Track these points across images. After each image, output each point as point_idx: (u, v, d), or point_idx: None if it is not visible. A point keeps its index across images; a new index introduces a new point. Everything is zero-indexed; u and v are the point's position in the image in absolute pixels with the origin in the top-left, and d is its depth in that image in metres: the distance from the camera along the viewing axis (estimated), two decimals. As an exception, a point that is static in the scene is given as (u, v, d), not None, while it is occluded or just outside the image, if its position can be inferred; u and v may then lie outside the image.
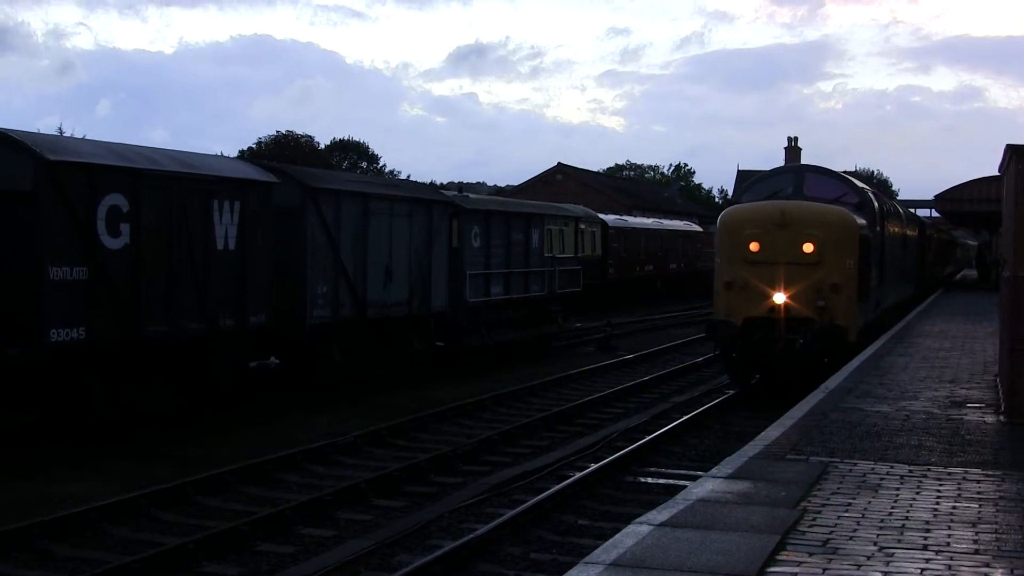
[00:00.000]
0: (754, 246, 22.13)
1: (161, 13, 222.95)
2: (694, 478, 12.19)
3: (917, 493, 9.86)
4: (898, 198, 76.09)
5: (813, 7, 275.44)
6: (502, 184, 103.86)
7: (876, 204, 26.48)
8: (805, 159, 65.34)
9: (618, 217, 56.18)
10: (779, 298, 21.75)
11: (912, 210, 52.61)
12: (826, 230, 22.05)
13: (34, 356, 15.86)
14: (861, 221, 23.28)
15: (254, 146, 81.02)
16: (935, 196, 56.35)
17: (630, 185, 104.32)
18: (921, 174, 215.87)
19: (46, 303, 15.83)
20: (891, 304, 30.95)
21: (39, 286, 15.78)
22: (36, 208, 15.85)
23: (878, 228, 26.09)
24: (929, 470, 10.91)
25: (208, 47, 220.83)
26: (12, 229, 15.83)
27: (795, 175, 24.90)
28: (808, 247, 21.86)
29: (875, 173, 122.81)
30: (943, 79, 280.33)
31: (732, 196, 25.97)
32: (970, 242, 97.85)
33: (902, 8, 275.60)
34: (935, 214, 69.59)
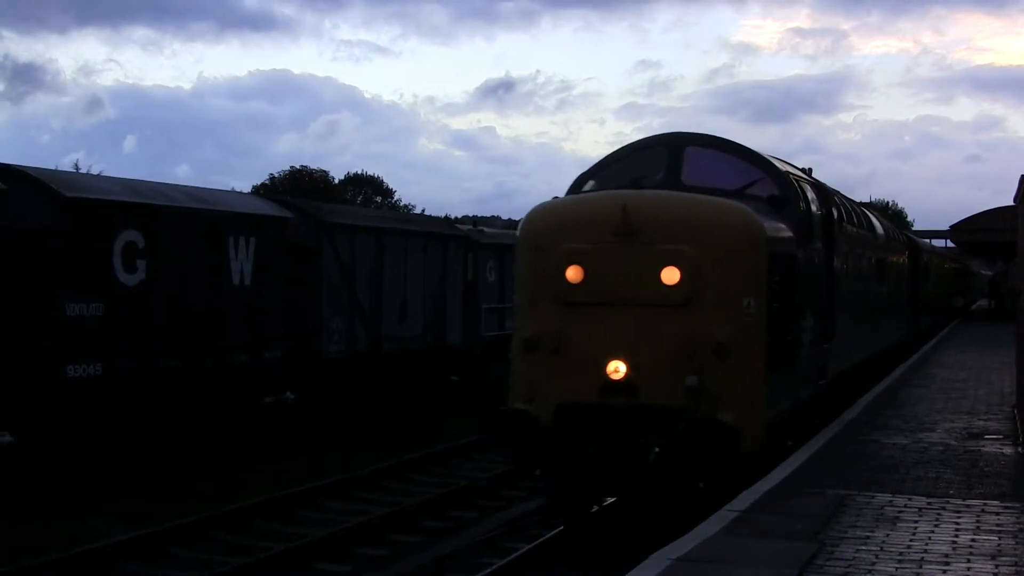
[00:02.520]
0: (574, 274, 11.95)
1: (185, 49, 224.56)
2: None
3: (936, 526, 9.79)
4: (913, 228, 75.89)
5: (837, 38, 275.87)
6: (517, 217, 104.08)
7: (813, 203, 14.91)
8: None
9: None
10: (616, 370, 11.73)
11: (909, 234, 42.16)
12: (704, 244, 11.86)
13: (50, 393, 15.91)
14: (776, 228, 12.80)
15: (267, 182, 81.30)
16: (950, 227, 56.29)
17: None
18: (938, 205, 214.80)
19: (63, 339, 15.89)
20: (858, 361, 19.64)
21: (56, 321, 15.85)
22: (52, 244, 15.95)
23: (818, 243, 14.96)
24: (947, 502, 10.84)
25: (226, 83, 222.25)
26: (29, 265, 15.92)
27: (669, 150, 13.89)
28: (670, 275, 11.76)
29: (890, 204, 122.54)
30: (963, 109, 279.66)
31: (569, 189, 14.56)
32: (985, 272, 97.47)
33: (926, 38, 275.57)
34: (950, 244, 69.43)
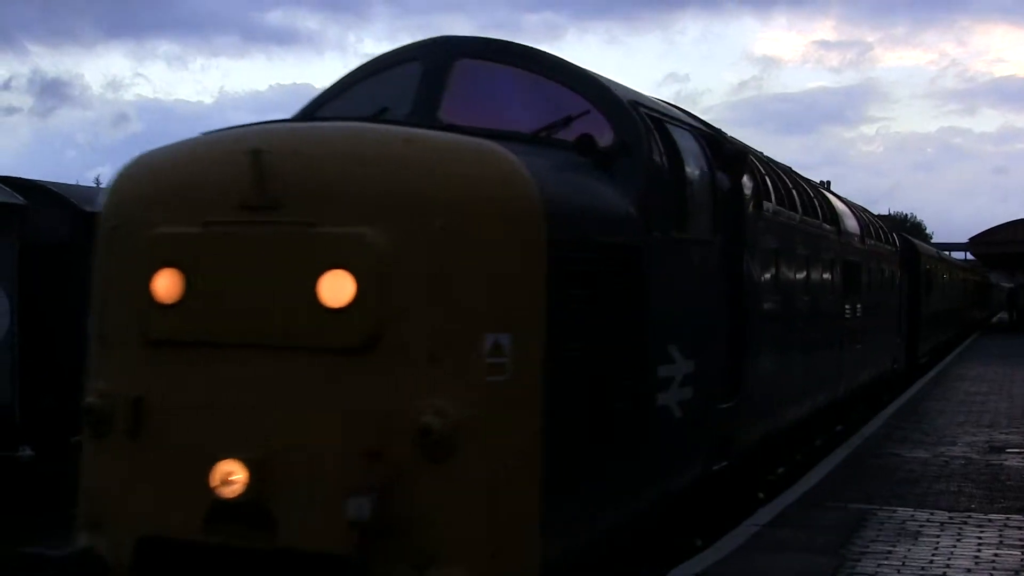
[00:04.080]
0: (167, 285, 6.34)
1: (211, 64, 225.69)
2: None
3: (958, 540, 9.74)
4: (932, 241, 75.61)
5: (862, 50, 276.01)
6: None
7: (695, 160, 9.10)
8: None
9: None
10: (229, 479, 6.06)
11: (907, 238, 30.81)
12: (406, 226, 6.08)
13: None
14: (587, 197, 7.22)
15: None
16: (969, 239, 56.08)
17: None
18: (959, 218, 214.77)
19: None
20: (805, 414, 14.14)
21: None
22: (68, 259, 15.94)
23: (708, 231, 9.34)
24: (969, 516, 10.78)
25: (248, 96, 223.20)
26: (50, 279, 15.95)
27: (426, 65, 8.11)
28: (336, 288, 6.01)
29: (909, 216, 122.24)
30: (987, 120, 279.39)
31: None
32: (1004, 284, 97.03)
33: (951, 49, 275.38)
34: (970, 257, 69.21)
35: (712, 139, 10.06)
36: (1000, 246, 50.46)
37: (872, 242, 20.58)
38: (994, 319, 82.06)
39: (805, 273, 13.81)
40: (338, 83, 8.80)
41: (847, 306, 17.03)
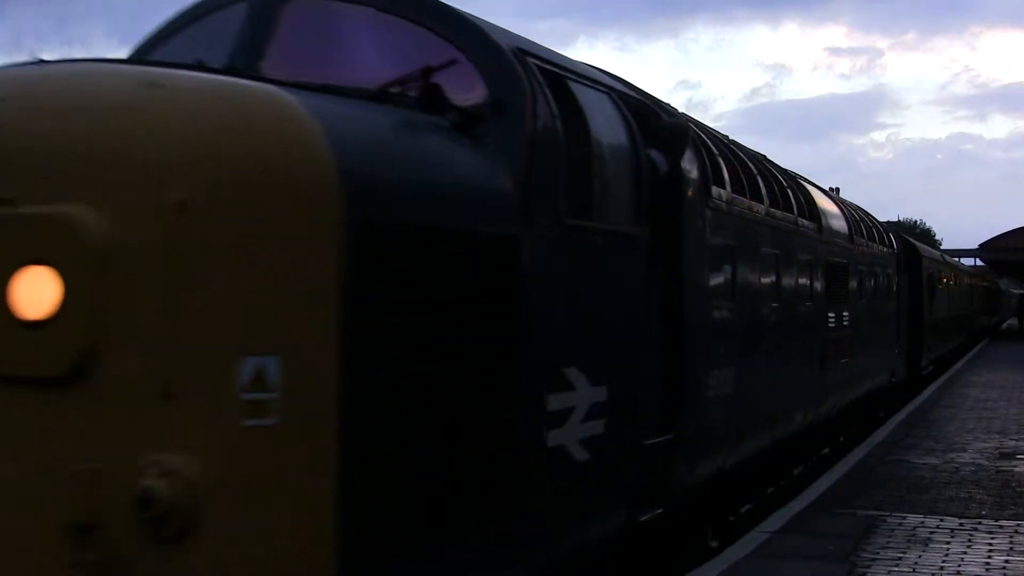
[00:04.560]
0: None
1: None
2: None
3: (968, 547, 9.71)
4: (942, 247, 75.56)
5: (872, 57, 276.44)
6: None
7: (602, 127, 7.15)
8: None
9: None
10: None
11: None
12: (136, 201, 4.28)
13: None
14: (430, 168, 5.47)
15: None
16: (979, 245, 56.04)
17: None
18: (969, 225, 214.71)
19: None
20: (768, 445, 11.88)
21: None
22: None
23: (626, 219, 7.41)
24: (980, 523, 10.74)
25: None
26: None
27: (253, 8, 6.40)
28: (34, 291, 4.24)
29: (918, 223, 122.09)
30: (998, 126, 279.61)
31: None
32: (1014, 291, 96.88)
33: (962, 56, 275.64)
34: (980, 263, 69.15)
35: (641, 108, 8.35)
36: (1010, 252, 50.42)
37: (863, 242, 18.53)
38: (1003, 325, 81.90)
39: (774, 276, 11.88)
40: (154, 34, 7.05)
41: (831, 314, 15.11)
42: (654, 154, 8.14)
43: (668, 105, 10.01)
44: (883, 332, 20.63)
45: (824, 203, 16.09)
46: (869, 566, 8.94)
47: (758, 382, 11.15)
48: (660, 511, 7.93)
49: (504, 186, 5.83)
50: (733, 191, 10.31)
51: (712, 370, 9.42)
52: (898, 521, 10.77)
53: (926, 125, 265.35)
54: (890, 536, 10.10)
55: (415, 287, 4.93)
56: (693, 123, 10.21)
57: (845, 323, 16.19)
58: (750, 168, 11.65)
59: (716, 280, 9.75)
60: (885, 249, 21.47)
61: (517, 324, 5.80)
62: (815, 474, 14.05)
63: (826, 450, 16.28)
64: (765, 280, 11.60)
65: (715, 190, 9.69)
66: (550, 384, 6.19)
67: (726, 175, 10.23)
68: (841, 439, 17.27)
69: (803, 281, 13.51)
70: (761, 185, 11.70)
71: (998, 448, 16.02)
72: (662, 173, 8.30)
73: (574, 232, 6.54)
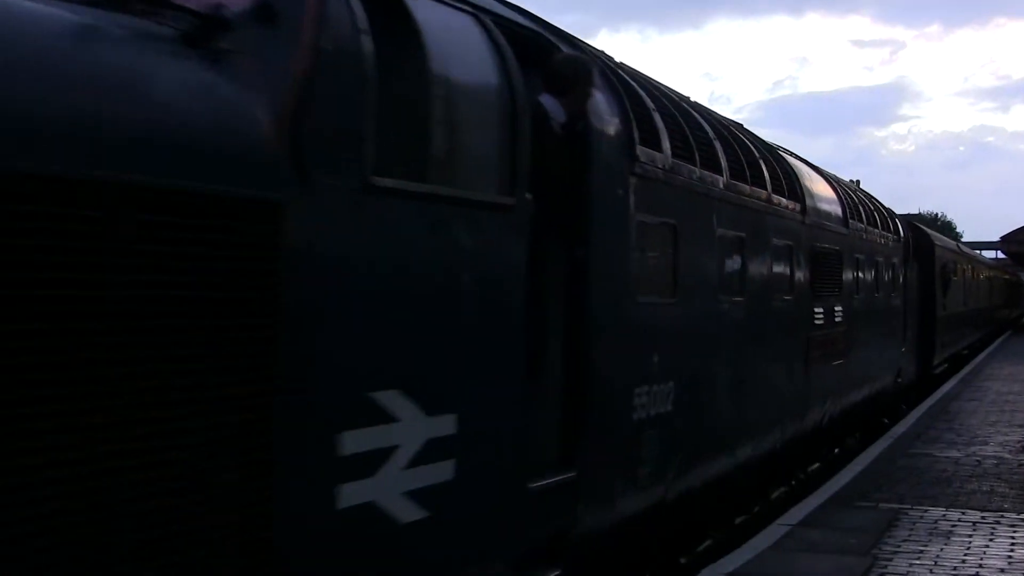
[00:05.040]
0: None
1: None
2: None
3: (990, 540, 9.65)
4: (963, 240, 75.15)
5: (895, 49, 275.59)
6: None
7: (470, 50, 5.55)
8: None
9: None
10: None
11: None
12: None
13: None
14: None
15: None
16: (1000, 237, 55.73)
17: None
18: (990, 216, 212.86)
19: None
20: (749, 458, 10.74)
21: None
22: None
23: (493, 167, 5.74)
24: (1002, 516, 10.68)
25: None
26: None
27: None
28: None
29: (939, 215, 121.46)
30: (1021, 118, 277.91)
31: None
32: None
33: (985, 47, 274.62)
34: (1002, 256, 68.78)
35: (529, 40, 6.58)
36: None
37: (862, 228, 16.56)
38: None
39: (737, 265, 10.10)
40: None
41: (818, 310, 13.24)
42: (546, 100, 6.45)
43: (577, 40, 7.96)
44: (886, 328, 18.72)
45: (811, 181, 14.06)
46: (891, 559, 8.91)
47: (714, 395, 9.37)
48: (557, 573, 6.26)
49: (257, 127, 4.08)
50: (676, 157, 8.34)
51: (641, 384, 7.60)
52: (920, 514, 10.72)
53: (948, 117, 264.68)
54: (912, 529, 10.06)
55: (58, 270, 3.33)
56: (624, 70, 8.42)
57: (837, 319, 14.29)
58: (704, 132, 9.60)
59: (648, 268, 7.99)
60: (890, 236, 19.47)
61: (273, 332, 4.06)
62: (794, 495, 12.76)
63: (816, 465, 14.59)
64: (725, 269, 9.70)
65: (644, 152, 7.68)
66: (347, 416, 4.45)
67: (664, 136, 8.20)
68: (836, 451, 15.97)
69: (780, 271, 11.62)
70: (720, 153, 9.73)
71: (1021, 441, 15.93)
72: (557, 126, 6.46)
73: (391, 198, 4.71)
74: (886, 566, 8.68)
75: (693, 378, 8.73)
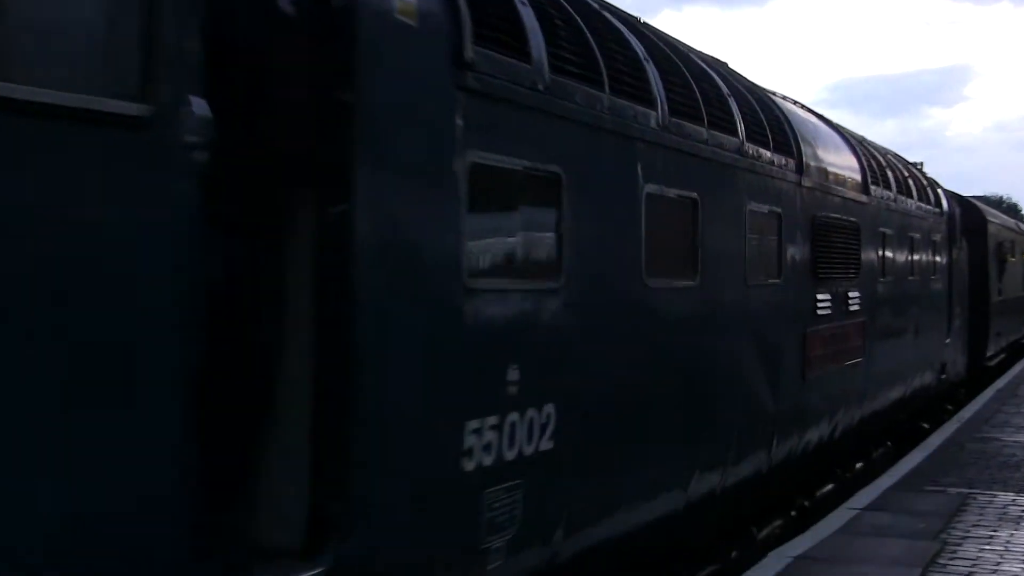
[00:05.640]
0: None
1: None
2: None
3: (1062, 526, 9.59)
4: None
5: (963, 28, 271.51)
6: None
7: None
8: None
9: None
10: None
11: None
12: None
13: None
14: None
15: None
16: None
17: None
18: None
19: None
20: (705, 497, 8.14)
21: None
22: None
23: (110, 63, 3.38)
24: (1073, 502, 10.60)
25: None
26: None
27: None
28: None
29: (1004, 198, 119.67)
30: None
31: None
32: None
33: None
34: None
35: None
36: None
37: (888, 196, 13.84)
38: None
39: (683, 236, 7.75)
40: None
41: (822, 297, 10.76)
42: None
43: None
44: (925, 317, 15.92)
45: (815, 134, 11.41)
46: (960, 544, 8.86)
47: (632, 420, 6.91)
48: None
49: None
50: (559, 73, 6.02)
51: (480, 414, 5.22)
52: (989, 499, 10.65)
53: (1015, 98, 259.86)
54: (981, 514, 9.99)
55: None
56: None
57: (852, 308, 11.82)
58: (629, 50, 7.22)
59: (505, 240, 5.65)
60: (929, 209, 16.68)
61: None
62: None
63: (829, 486, 12.02)
64: (659, 243, 7.16)
65: (487, 57, 5.34)
66: None
67: (536, 40, 5.85)
68: (859, 465, 13.35)
69: (759, 246, 9.12)
70: (654, 80, 7.29)
71: (1091, 426, 15.75)
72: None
73: None
74: (955, 551, 8.64)
75: (592, 399, 6.37)
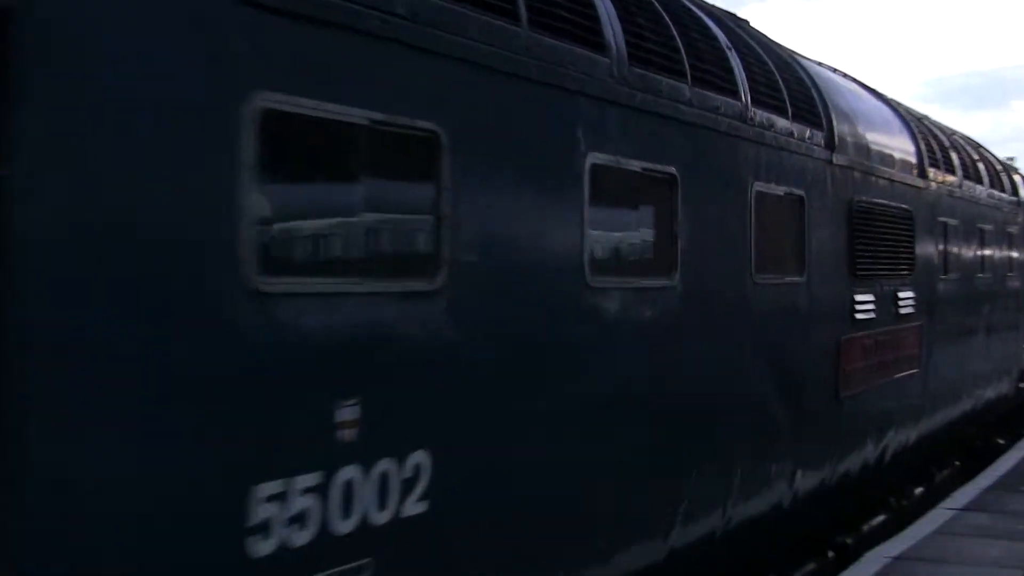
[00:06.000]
0: None
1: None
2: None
3: None
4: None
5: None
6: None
7: None
8: None
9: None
10: None
11: None
12: None
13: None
14: None
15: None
16: None
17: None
18: None
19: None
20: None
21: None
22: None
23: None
24: None
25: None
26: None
27: None
28: None
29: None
30: None
31: None
32: None
33: None
34: None
35: None
36: None
37: (952, 181, 12.29)
38: None
39: (652, 221, 6.22)
40: None
41: (862, 298, 9.26)
42: None
43: None
44: (999, 320, 14.23)
45: (852, 103, 9.70)
46: (1061, 546, 8.71)
47: (571, 466, 5.38)
48: None
49: None
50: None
51: (286, 474, 3.72)
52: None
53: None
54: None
55: None
56: None
57: (905, 311, 10.39)
58: None
59: (345, 222, 4.18)
60: (1004, 198, 14.89)
61: None
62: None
63: (880, 518, 10.31)
64: (611, 229, 5.67)
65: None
66: None
67: None
68: (919, 490, 11.67)
69: (770, 234, 7.53)
70: (608, 19, 5.74)
71: None
72: None
73: None
74: (1053, 555, 8.49)
75: (496, 438, 4.78)
